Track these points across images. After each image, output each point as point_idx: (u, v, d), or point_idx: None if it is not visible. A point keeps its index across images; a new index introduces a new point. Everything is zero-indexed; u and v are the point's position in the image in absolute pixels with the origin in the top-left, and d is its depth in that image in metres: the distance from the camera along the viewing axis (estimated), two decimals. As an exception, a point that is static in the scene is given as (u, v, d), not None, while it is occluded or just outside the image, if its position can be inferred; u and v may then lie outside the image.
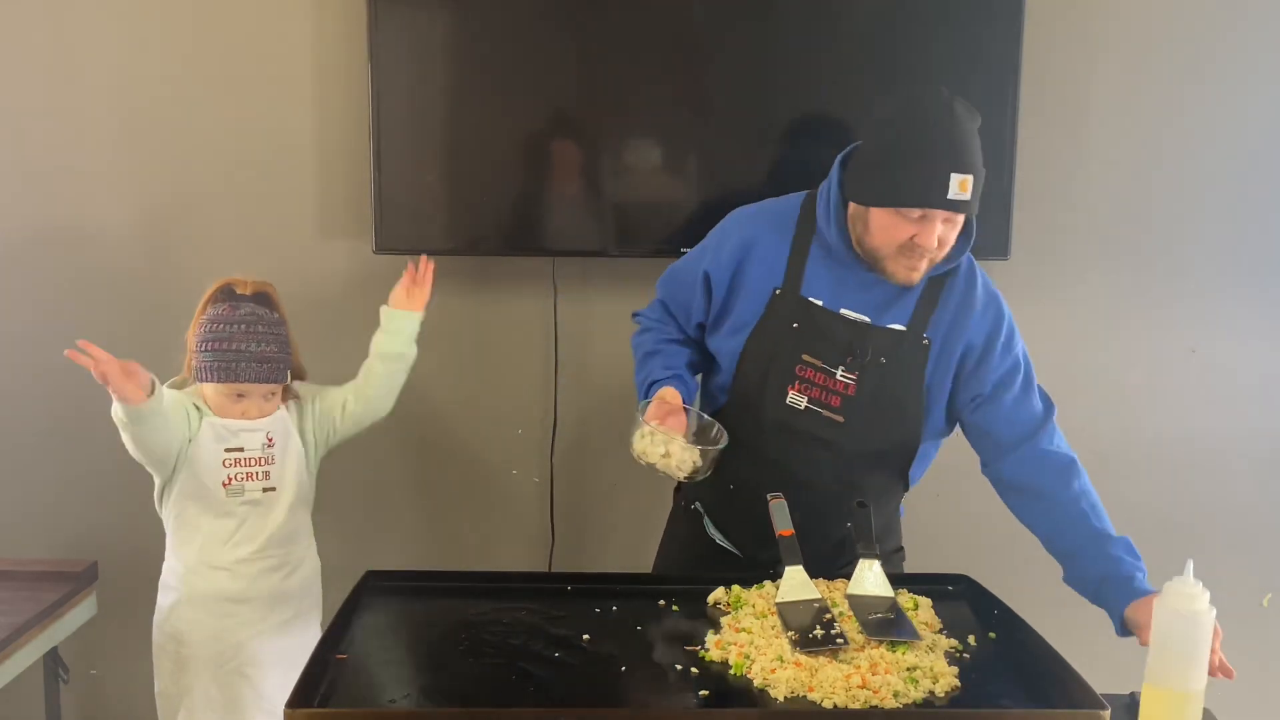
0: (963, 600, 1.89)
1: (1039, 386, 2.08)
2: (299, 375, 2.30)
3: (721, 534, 2.14)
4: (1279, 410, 2.86)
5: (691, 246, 2.13)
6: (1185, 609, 1.54)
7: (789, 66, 2.57)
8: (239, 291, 2.19)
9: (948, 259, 1.95)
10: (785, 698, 1.51)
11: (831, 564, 1.96)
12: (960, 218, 1.89)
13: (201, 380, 2.17)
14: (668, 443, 1.84)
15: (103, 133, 2.69)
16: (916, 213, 1.84)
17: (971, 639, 1.71)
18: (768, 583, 1.84)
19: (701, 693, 1.54)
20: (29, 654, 2.27)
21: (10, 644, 2.17)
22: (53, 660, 2.43)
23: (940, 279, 2.00)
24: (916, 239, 1.86)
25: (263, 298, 2.21)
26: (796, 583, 1.78)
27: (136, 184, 2.71)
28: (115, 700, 2.87)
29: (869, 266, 1.94)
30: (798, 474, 1.98)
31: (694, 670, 1.60)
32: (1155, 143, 2.76)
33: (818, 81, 2.60)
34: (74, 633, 2.44)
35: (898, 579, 1.89)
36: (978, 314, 2.00)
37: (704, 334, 2.11)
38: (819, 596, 1.76)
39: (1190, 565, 1.56)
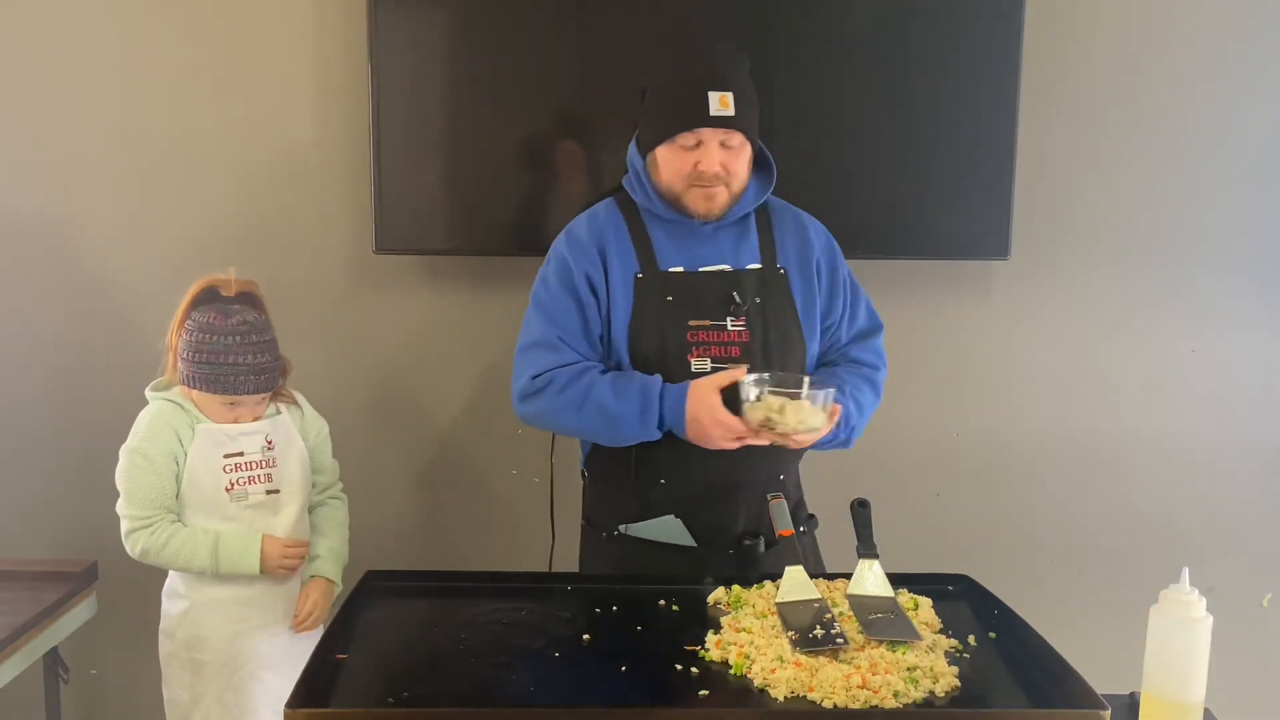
0: (963, 600, 1.89)
1: (868, 303, 2.20)
2: (285, 369, 2.27)
3: (667, 524, 2.08)
4: (1279, 410, 2.86)
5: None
6: (1182, 617, 1.53)
7: (789, 67, 2.58)
8: (223, 293, 2.15)
9: (754, 193, 2.06)
10: (785, 698, 1.51)
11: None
12: (740, 142, 1.99)
13: (193, 388, 2.15)
14: (768, 409, 1.85)
15: (102, 133, 2.69)
16: (691, 139, 1.97)
17: (971, 639, 1.71)
18: (768, 583, 1.85)
19: (701, 693, 1.54)
20: (29, 654, 2.27)
21: (10, 644, 2.16)
22: (53, 660, 2.42)
23: (766, 216, 2.11)
24: (700, 165, 1.97)
25: (249, 299, 2.17)
26: (796, 583, 1.78)
27: (136, 184, 2.71)
28: (115, 700, 2.87)
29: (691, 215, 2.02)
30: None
31: (694, 670, 1.60)
32: (1155, 142, 2.76)
33: (817, 81, 2.60)
34: (74, 633, 2.44)
35: (896, 579, 1.89)
36: (812, 236, 2.12)
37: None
38: (819, 596, 1.76)
39: (1186, 573, 1.56)
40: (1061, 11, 2.68)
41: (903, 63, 2.61)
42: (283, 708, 2.16)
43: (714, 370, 1.98)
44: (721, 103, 1.93)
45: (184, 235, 2.72)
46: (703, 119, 1.94)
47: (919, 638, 1.66)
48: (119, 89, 2.67)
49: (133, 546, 2.15)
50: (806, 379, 1.92)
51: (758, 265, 2.06)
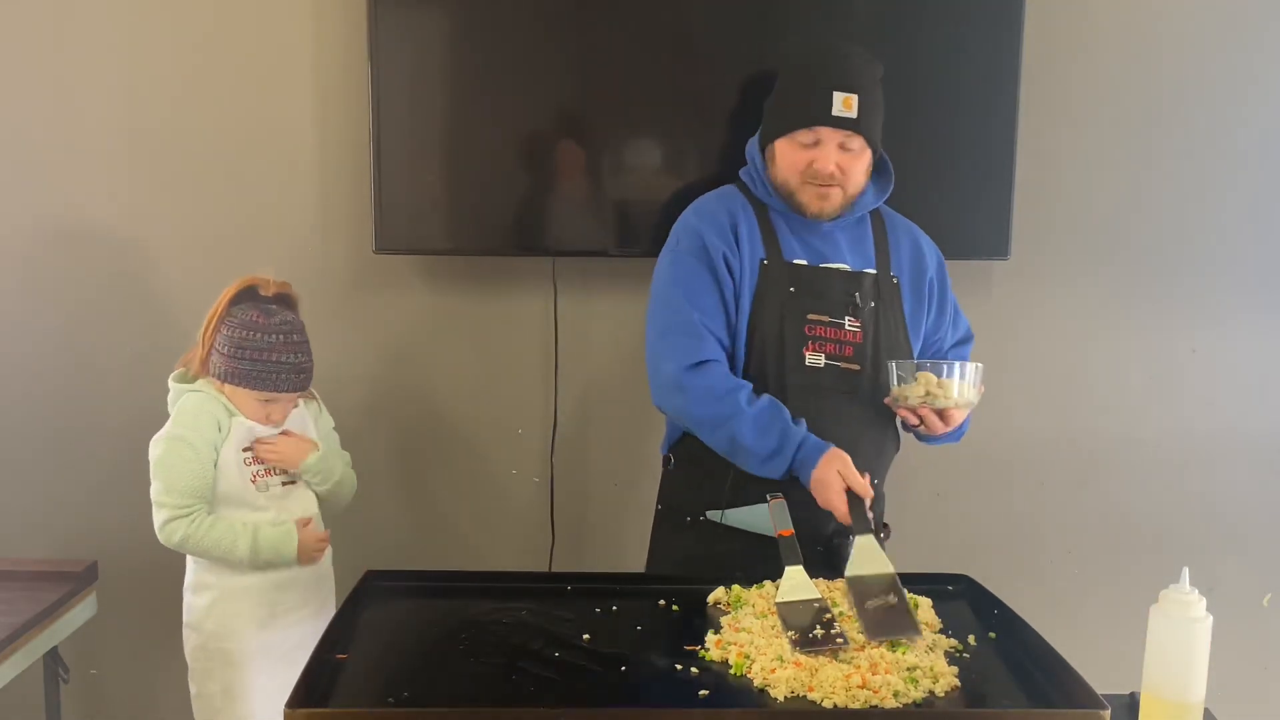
0: (963, 600, 1.89)
1: (961, 314, 2.28)
2: None
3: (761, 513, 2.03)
4: (1279, 410, 2.86)
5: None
6: (1182, 617, 1.53)
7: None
8: (263, 293, 2.21)
9: (872, 197, 2.08)
10: (785, 698, 1.51)
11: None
12: (860, 145, 1.99)
13: (231, 383, 2.17)
14: (928, 384, 1.96)
15: (103, 133, 2.69)
16: (809, 136, 1.98)
17: (971, 639, 1.71)
18: (768, 583, 1.85)
19: (701, 693, 1.54)
20: (29, 654, 2.27)
21: (10, 644, 2.17)
22: (53, 660, 2.43)
23: (881, 222, 2.13)
24: (815, 164, 1.98)
25: (287, 300, 2.24)
26: (796, 583, 1.78)
27: (137, 185, 2.71)
28: (115, 700, 2.87)
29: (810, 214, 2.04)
30: (828, 435, 1.98)
31: (694, 670, 1.60)
32: (1155, 143, 2.76)
33: (818, 81, 2.60)
34: (74, 633, 2.44)
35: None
36: (925, 250, 2.15)
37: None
38: (819, 596, 1.76)
39: (1186, 573, 1.56)
40: (1062, 12, 2.68)
41: (903, 63, 2.60)
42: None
43: (826, 365, 2.02)
44: (845, 104, 1.94)
45: (184, 235, 2.72)
46: (824, 118, 1.95)
47: (918, 632, 1.66)
48: (119, 89, 2.67)
49: (170, 535, 2.14)
50: (953, 362, 2.01)
51: (873, 270, 2.09)
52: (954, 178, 2.64)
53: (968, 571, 1.97)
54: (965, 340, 2.27)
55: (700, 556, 2.09)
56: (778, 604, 1.75)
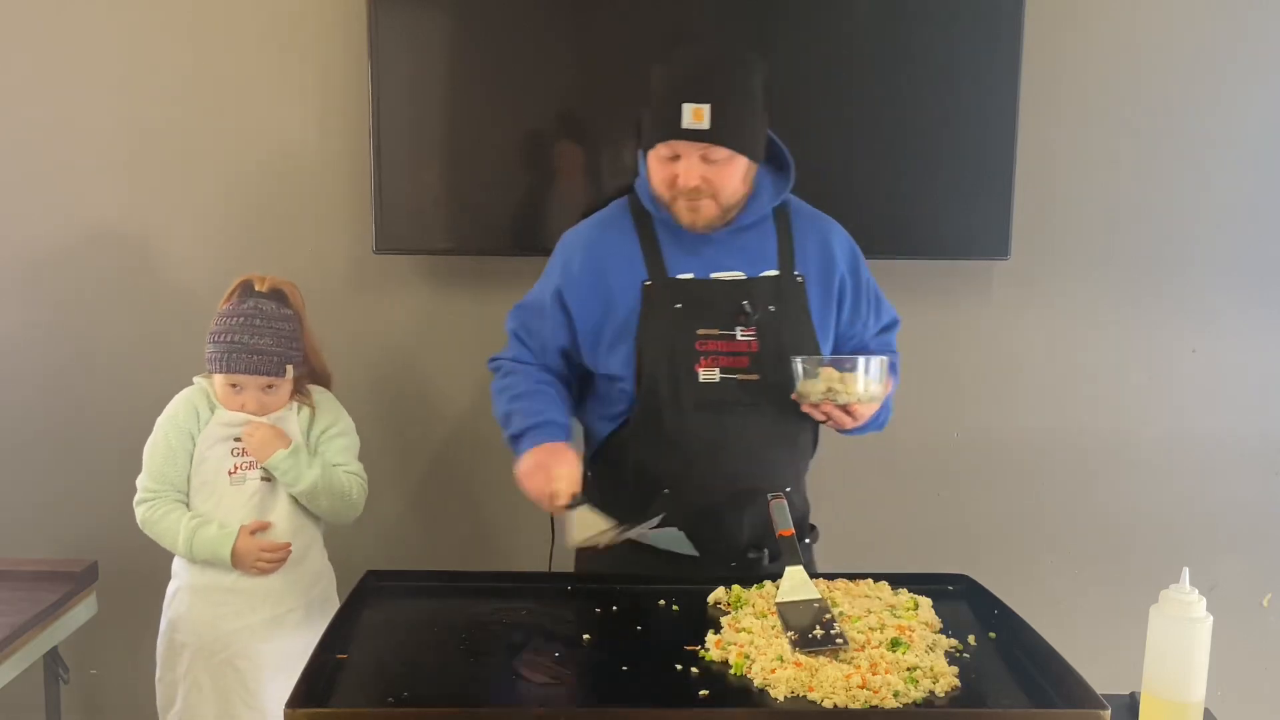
0: (963, 600, 1.89)
1: (883, 300, 2.18)
2: (321, 378, 2.36)
3: (671, 536, 2.05)
4: (1279, 410, 2.86)
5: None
6: (1182, 617, 1.53)
7: (789, 66, 2.57)
8: (256, 288, 2.25)
9: (768, 196, 2.01)
10: (785, 698, 1.51)
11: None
12: (725, 155, 1.90)
13: (208, 370, 2.24)
14: (830, 380, 1.91)
15: (103, 134, 2.69)
16: (668, 150, 1.91)
17: (971, 639, 1.71)
18: (768, 583, 1.84)
19: (701, 693, 1.54)
20: (29, 654, 2.27)
21: (10, 644, 2.16)
22: (53, 660, 2.42)
23: (786, 219, 2.05)
24: (679, 179, 1.91)
25: (277, 294, 2.26)
26: (796, 583, 1.78)
27: (137, 185, 2.71)
28: (115, 700, 2.87)
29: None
30: (732, 450, 1.98)
31: (694, 670, 1.60)
32: (1155, 142, 2.76)
33: (817, 81, 2.60)
34: (74, 633, 2.43)
35: (898, 579, 1.89)
36: (835, 245, 2.07)
37: (567, 361, 2.08)
38: (819, 596, 1.76)
39: (1186, 573, 1.56)
40: (1062, 11, 2.68)
41: (903, 62, 2.60)
42: (257, 703, 2.19)
43: (722, 380, 1.97)
44: (695, 115, 1.84)
45: (185, 236, 2.72)
46: (675, 131, 1.87)
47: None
48: (120, 90, 2.67)
49: (138, 516, 2.25)
50: (857, 356, 1.95)
51: (775, 272, 2.02)
52: (954, 177, 2.64)
53: (968, 571, 1.97)
54: (889, 328, 2.19)
55: (623, 569, 2.05)
56: (778, 604, 1.75)
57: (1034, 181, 2.69)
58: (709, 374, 1.97)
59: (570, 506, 1.90)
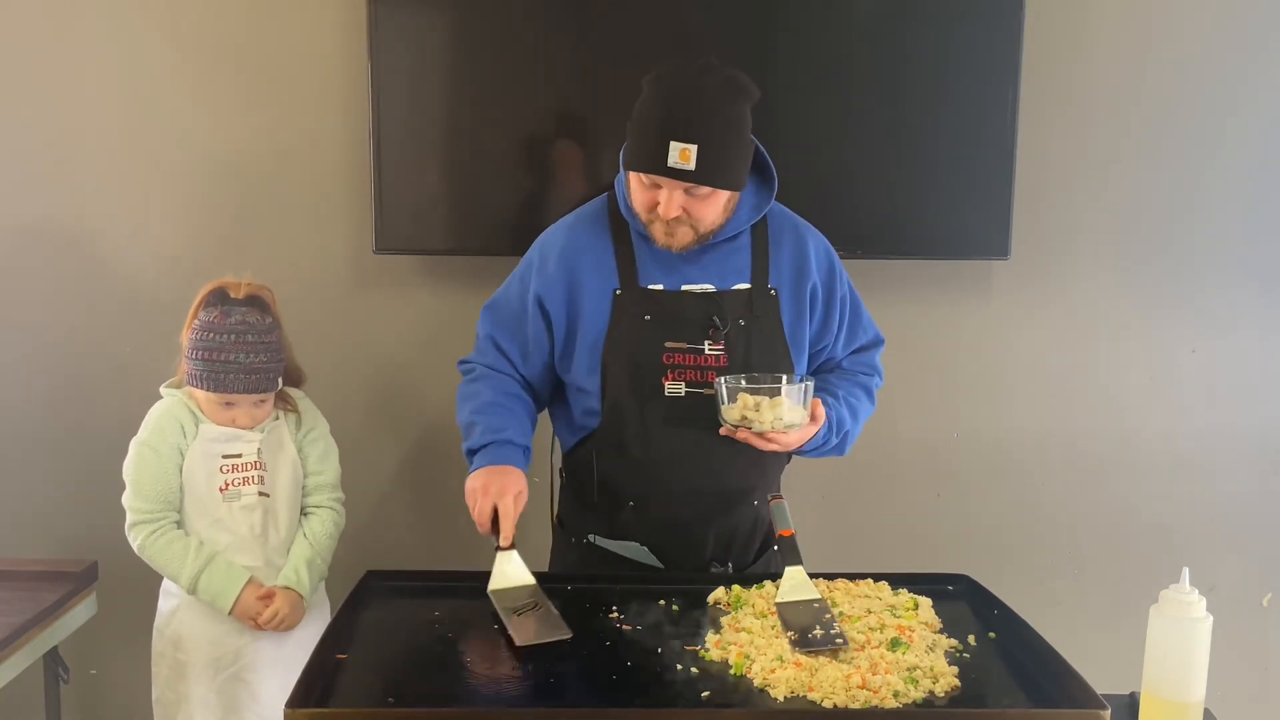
0: (963, 600, 1.89)
1: (868, 317, 2.15)
2: (295, 379, 2.30)
3: (634, 549, 2.05)
4: (1279, 411, 2.86)
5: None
6: (1182, 617, 1.53)
7: (789, 67, 2.57)
8: (232, 295, 2.18)
9: (748, 211, 1.97)
10: (785, 698, 1.51)
11: (745, 550, 2.04)
12: (708, 190, 1.87)
13: (192, 386, 2.18)
14: (744, 407, 1.85)
15: (103, 134, 2.69)
16: (647, 179, 1.87)
17: (971, 639, 1.71)
18: (768, 583, 1.84)
19: (702, 693, 1.54)
20: (29, 654, 2.27)
21: (10, 644, 2.16)
22: (53, 660, 2.42)
23: (764, 229, 2.01)
24: (659, 207, 1.88)
25: (256, 301, 2.19)
26: (796, 583, 1.78)
27: (137, 185, 2.71)
28: (115, 700, 2.87)
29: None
30: (695, 466, 1.97)
31: (694, 670, 1.60)
32: (1155, 142, 2.76)
33: (817, 81, 2.60)
34: (74, 633, 2.44)
35: (898, 579, 1.89)
36: (811, 254, 2.03)
37: (549, 372, 2.06)
38: (819, 596, 1.76)
39: (1186, 573, 1.56)
40: (1062, 11, 2.68)
41: (903, 63, 2.60)
42: (268, 712, 2.19)
43: (688, 394, 1.95)
44: (682, 156, 1.80)
45: (184, 236, 2.72)
46: (660, 167, 1.83)
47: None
48: (119, 90, 2.67)
49: (134, 540, 2.18)
50: (785, 377, 1.89)
51: (746, 285, 1.99)
52: (954, 177, 2.64)
53: (968, 571, 1.97)
54: (869, 347, 2.13)
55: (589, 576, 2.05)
56: (778, 604, 1.75)
57: (1034, 181, 2.69)
58: (675, 388, 1.95)
59: (499, 548, 1.85)
